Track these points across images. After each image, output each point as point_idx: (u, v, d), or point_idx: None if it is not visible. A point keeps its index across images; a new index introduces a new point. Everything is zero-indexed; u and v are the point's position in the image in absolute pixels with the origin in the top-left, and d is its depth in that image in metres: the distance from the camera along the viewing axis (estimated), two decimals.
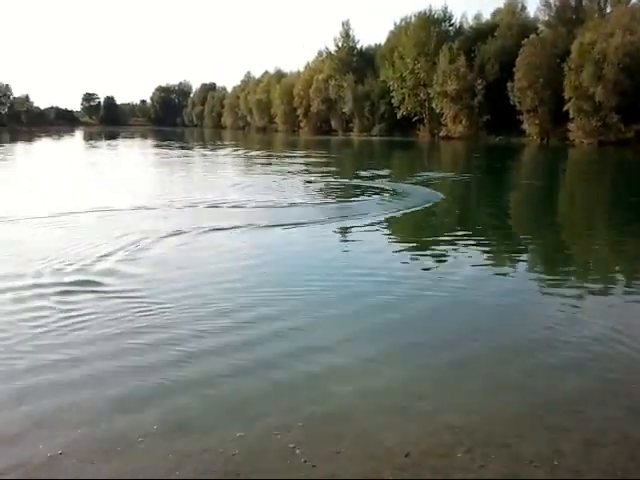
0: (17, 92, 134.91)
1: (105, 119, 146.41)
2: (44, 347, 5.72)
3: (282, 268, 9.01)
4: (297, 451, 4.03)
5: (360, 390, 4.99)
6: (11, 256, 9.42)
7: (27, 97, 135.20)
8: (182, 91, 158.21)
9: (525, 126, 54.43)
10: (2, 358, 5.49)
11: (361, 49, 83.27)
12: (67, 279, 7.94)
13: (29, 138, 68.82)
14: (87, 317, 6.53)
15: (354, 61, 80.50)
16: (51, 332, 6.09)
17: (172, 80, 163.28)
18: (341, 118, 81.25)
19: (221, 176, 25.30)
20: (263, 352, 5.66)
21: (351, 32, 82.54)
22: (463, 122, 61.10)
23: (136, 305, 6.92)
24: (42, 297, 7.17)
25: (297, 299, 7.27)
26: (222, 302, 7.09)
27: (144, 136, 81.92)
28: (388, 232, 12.54)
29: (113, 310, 6.75)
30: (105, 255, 9.29)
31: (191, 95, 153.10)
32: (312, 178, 22.84)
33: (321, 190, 18.80)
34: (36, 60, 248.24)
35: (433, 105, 64.12)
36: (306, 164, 31.05)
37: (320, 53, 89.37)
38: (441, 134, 63.63)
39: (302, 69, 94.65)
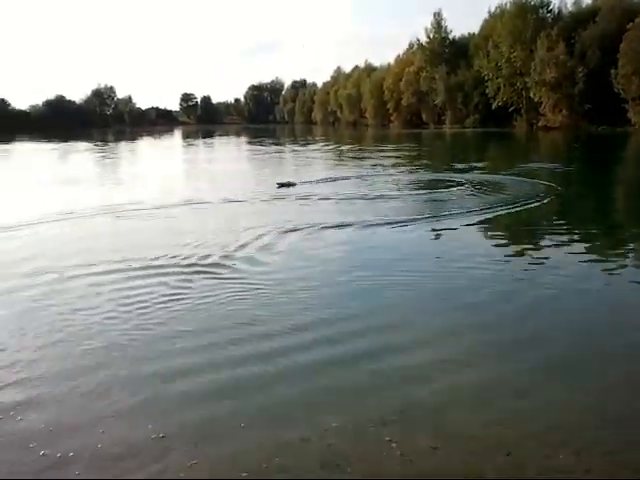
0: (121, 93, 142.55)
1: (202, 118, 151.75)
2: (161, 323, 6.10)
3: (377, 266, 8.89)
4: (393, 445, 4.02)
5: (457, 386, 4.91)
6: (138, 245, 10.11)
7: (130, 98, 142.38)
8: (274, 89, 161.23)
9: (630, 115, 51.11)
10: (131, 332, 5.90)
11: (453, 39, 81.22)
12: (186, 266, 8.47)
13: (132, 137, 72.66)
14: (217, 305, 6.89)
15: (446, 52, 78.66)
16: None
17: (265, 78, 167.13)
18: (433, 110, 79.74)
19: (313, 170, 25.60)
20: (360, 346, 5.69)
21: (443, 22, 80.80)
22: (563, 111, 58.21)
23: (250, 294, 7.21)
24: (166, 277, 7.66)
25: (395, 295, 7.23)
26: (324, 296, 7.18)
27: (238, 134, 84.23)
28: (489, 228, 11.95)
29: (232, 298, 7.08)
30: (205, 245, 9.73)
31: (282, 92, 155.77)
32: (405, 171, 22.62)
33: (415, 184, 18.56)
34: (138, 62, 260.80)
35: (531, 94, 61.55)
36: (397, 157, 30.77)
37: (411, 45, 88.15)
38: (539, 124, 61.00)
39: (392, 62, 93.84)
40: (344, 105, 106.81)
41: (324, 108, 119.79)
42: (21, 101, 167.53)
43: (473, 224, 11.86)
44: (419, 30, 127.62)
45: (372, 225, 11.68)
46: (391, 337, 5.92)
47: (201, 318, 6.51)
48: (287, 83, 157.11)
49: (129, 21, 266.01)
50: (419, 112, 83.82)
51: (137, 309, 6.81)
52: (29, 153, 47.10)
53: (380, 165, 25.31)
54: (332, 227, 11.52)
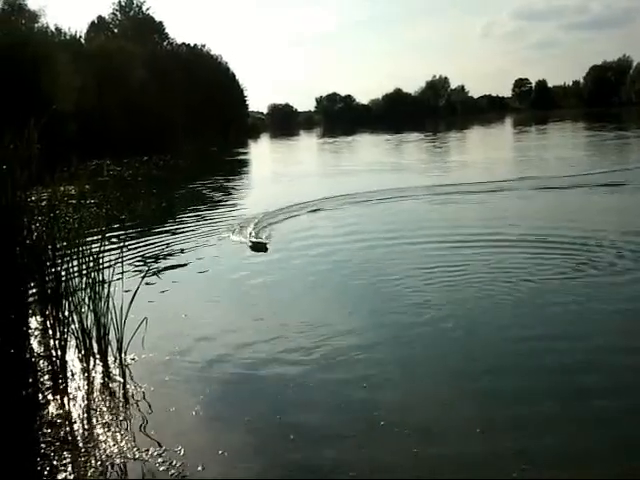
0: (454, 84, 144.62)
1: (535, 104, 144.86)
2: None
3: None
4: None
5: None
6: None
7: (462, 87, 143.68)
8: (620, 68, 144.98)
9: None
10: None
11: None
12: None
13: (461, 127, 73.11)
14: None
15: None
16: None
17: (609, 57, 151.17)
18: None
19: None
20: None
21: None
22: None
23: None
24: None
25: None
26: None
27: (575, 119, 77.92)
28: None
29: None
30: None
31: (630, 72, 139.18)
32: None
33: None
34: (469, 52, 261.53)
35: None
36: None
37: None
38: None
39: None
40: None
41: None
42: (364, 96, 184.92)
43: None
44: None
45: None
46: None
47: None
48: (637, 61, 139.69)
49: (458, 12, 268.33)
50: None
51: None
52: (367, 143, 51.36)
53: None
54: None
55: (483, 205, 13.56)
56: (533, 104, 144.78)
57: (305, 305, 6.99)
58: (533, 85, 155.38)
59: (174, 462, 3.74)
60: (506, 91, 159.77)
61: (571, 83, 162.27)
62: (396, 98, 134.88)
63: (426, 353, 5.39)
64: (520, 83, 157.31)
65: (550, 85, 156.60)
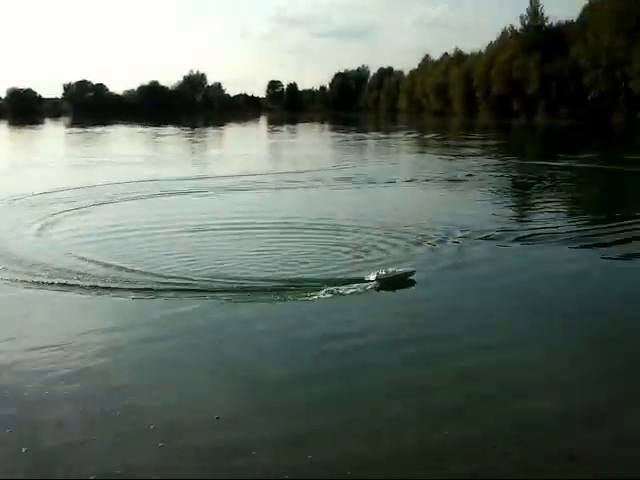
0: (211, 80, 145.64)
1: (287, 105, 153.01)
2: None
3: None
4: None
5: None
6: None
7: (219, 85, 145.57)
8: (360, 76, 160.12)
9: None
10: None
11: (550, 26, 77.47)
12: None
13: (219, 123, 74.04)
14: None
15: (542, 40, 75.07)
16: None
17: (351, 66, 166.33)
18: (524, 100, 76.42)
19: (394, 158, 25.19)
20: None
21: (540, 9, 77.23)
22: None
23: None
24: None
25: None
26: None
27: (322, 121, 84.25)
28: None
29: None
30: None
31: (368, 80, 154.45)
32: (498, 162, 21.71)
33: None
34: (227, 50, 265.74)
35: (630, 86, 57.74)
36: (483, 147, 29.66)
37: (504, 32, 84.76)
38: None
39: (483, 50, 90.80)
40: (430, 94, 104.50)
41: (410, 96, 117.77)
42: (118, 85, 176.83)
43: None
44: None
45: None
46: None
47: None
48: (373, 71, 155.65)
49: (219, 11, 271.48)
50: (509, 102, 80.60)
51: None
52: (119, 135, 49.14)
53: (463, 155, 24.48)
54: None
55: (237, 197, 14.00)
56: (285, 105, 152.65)
57: (58, 307, 6.49)
58: (285, 87, 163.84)
59: None
60: (261, 91, 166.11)
61: (318, 88, 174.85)
62: (152, 90, 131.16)
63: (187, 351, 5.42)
64: (273, 85, 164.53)
65: (300, 88, 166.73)
